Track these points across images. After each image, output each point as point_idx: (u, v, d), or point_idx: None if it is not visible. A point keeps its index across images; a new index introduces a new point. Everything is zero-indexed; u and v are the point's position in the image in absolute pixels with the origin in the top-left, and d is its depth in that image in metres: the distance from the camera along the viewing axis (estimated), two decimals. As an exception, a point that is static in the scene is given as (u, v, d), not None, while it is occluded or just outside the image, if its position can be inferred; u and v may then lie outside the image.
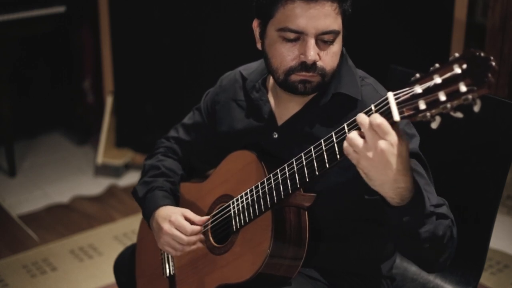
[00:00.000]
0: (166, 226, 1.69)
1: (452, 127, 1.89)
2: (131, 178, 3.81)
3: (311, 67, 1.52)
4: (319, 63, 1.53)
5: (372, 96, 1.59)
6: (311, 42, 1.51)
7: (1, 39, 3.63)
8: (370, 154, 1.28)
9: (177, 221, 1.68)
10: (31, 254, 3.11)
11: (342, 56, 1.63)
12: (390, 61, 2.13)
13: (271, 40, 1.57)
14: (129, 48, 3.76)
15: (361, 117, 1.29)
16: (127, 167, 3.90)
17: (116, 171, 3.83)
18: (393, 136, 1.26)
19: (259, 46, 1.64)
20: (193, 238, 1.67)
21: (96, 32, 3.90)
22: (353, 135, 1.30)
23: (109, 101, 3.85)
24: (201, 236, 1.69)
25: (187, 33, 3.51)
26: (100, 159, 3.81)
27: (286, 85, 1.58)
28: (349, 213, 1.64)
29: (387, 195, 1.35)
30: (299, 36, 1.52)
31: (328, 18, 1.50)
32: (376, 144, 1.26)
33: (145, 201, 1.81)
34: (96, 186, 3.75)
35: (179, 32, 3.52)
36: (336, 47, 1.55)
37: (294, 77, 1.55)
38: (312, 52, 1.51)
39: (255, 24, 1.64)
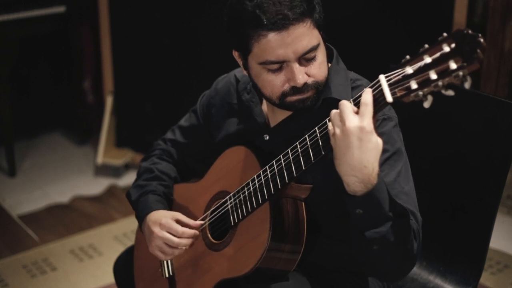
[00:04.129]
0: (157, 229, 1.70)
1: (452, 127, 1.89)
2: (131, 178, 3.78)
3: (302, 88, 1.53)
4: (309, 81, 1.53)
5: None
6: (295, 66, 1.51)
7: (1, 39, 3.63)
8: (338, 130, 1.33)
9: (168, 224, 1.69)
10: (31, 254, 3.11)
11: (333, 58, 1.63)
12: (390, 61, 2.13)
13: (256, 72, 1.57)
14: (129, 48, 3.76)
15: (344, 103, 1.35)
16: (127, 167, 3.90)
17: (116, 171, 3.83)
18: (367, 121, 1.30)
19: (245, 73, 1.64)
20: (184, 240, 1.67)
21: (96, 32, 3.90)
22: (335, 111, 1.36)
23: (109, 101, 3.85)
24: (196, 232, 1.68)
25: (187, 33, 3.51)
26: (100, 159, 3.81)
27: (284, 107, 1.59)
28: (342, 204, 1.64)
29: (343, 179, 1.38)
30: (282, 64, 1.52)
31: (304, 38, 1.49)
32: (344, 121, 1.31)
33: (138, 205, 1.82)
34: (96, 186, 3.75)
35: (179, 32, 3.52)
36: (321, 57, 1.55)
37: (290, 99, 1.56)
38: (300, 76, 1.51)
39: (236, 54, 1.64)
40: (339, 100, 1.57)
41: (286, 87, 1.54)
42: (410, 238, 1.45)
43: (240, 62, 1.63)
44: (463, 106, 1.88)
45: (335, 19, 3.12)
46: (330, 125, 1.37)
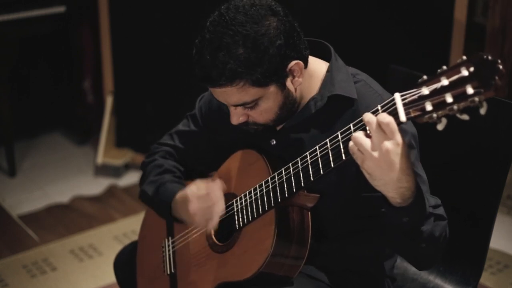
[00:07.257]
0: (192, 206, 1.65)
1: (452, 127, 1.89)
2: (131, 178, 3.81)
3: (244, 124, 1.59)
4: (250, 119, 1.58)
5: (366, 92, 1.59)
6: (231, 109, 1.57)
7: (1, 39, 3.63)
8: (375, 154, 1.28)
9: (196, 192, 1.67)
10: (31, 254, 3.11)
11: (331, 55, 1.63)
12: (390, 61, 2.13)
13: None
14: (129, 48, 3.76)
15: (368, 116, 1.29)
16: (127, 167, 3.90)
17: (116, 171, 3.83)
18: (398, 136, 1.27)
19: None
20: (219, 204, 1.64)
21: (96, 32, 3.90)
22: (359, 134, 1.31)
23: (109, 101, 3.85)
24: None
25: (187, 33, 3.50)
26: (100, 159, 3.81)
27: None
28: (349, 211, 1.64)
29: (389, 195, 1.35)
30: None
31: (234, 95, 1.52)
32: (381, 144, 1.27)
33: (159, 196, 1.79)
34: (96, 186, 3.75)
35: (179, 32, 3.52)
36: (263, 106, 1.55)
37: (250, 127, 1.61)
38: (234, 118, 1.58)
39: None
40: (345, 97, 1.57)
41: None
42: (445, 225, 1.48)
43: None
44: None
45: (335, 19, 3.14)
46: (355, 150, 1.32)
